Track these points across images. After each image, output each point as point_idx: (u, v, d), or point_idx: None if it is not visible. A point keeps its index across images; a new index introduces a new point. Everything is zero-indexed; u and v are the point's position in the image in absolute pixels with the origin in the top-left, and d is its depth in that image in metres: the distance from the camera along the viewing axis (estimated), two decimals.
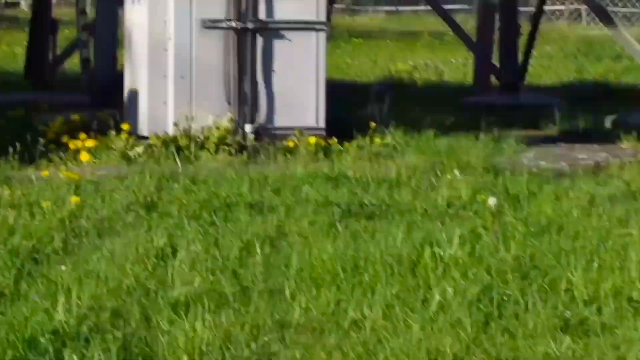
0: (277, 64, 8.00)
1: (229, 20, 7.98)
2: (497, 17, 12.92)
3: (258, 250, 4.73)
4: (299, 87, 8.04)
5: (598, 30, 18.65)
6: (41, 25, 11.89)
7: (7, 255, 4.50)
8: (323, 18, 8.33)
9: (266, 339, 3.51)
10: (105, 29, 9.42)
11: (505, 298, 4.04)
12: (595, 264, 4.56)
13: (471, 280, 4.24)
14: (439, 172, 7.05)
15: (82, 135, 7.76)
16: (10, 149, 7.05)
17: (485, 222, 5.49)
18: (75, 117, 8.24)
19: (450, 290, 4.05)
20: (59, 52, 12.31)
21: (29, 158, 7.21)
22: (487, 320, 3.74)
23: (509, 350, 3.46)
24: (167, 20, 7.95)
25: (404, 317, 3.78)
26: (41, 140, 7.62)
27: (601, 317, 3.90)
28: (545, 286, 4.25)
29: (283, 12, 8.07)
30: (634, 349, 3.51)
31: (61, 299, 3.65)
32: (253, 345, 3.44)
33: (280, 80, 8.02)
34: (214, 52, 7.96)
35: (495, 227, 5.34)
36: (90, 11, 10.77)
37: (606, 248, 4.89)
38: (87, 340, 3.37)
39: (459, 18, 16.22)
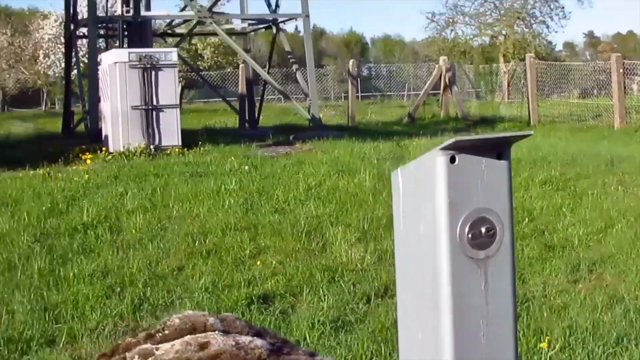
0: (162, 121, 17.39)
1: (142, 105, 17.10)
2: (246, 100, 24.44)
3: (159, 191, 15.25)
4: (171, 130, 17.63)
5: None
6: (68, 109, 22.92)
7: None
8: (177, 102, 18.25)
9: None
10: (93, 111, 20.03)
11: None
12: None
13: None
14: (225, 159, 15.03)
15: (87, 155, 16.43)
16: (59, 159, 16.01)
17: (244, 175, 13.79)
18: (83, 147, 17.66)
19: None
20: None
21: (65, 162, 15.43)
22: None
23: None
24: (117, 107, 17.00)
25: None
26: (71, 155, 17.18)
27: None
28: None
29: (163, 100, 17.28)
30: None
31: None
32: None
33: (163, 126, 17.50)
34: (137, 117, 17.03)
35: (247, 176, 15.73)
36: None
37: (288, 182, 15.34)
38: None
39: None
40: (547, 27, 47.73)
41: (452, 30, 48.80)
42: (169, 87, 17.49)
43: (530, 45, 45.90)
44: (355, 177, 12.45)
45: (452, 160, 2.17)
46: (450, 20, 47.95)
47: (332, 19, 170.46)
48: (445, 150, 2.16)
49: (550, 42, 51.16)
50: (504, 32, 47.78)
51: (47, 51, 55.06)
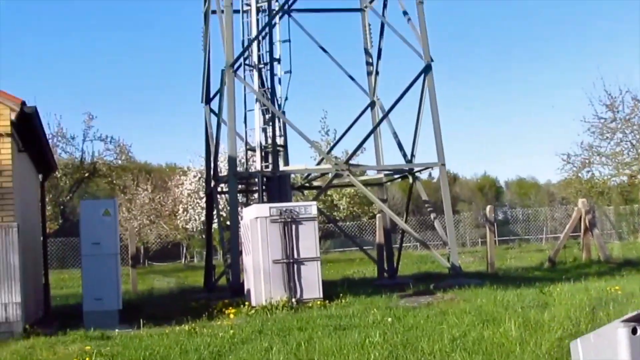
0: (303, 274, 17.35)
1: (283, 259, 17.34)
2: (384, 249, 24.53)
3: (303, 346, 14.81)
4: (312, 283, 17.47)
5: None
6: (209, 263, 23.48)
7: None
8: (317, 255, 18.56)
9: None
10: (235, 265, 20.41)
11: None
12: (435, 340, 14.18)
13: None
14: (368, 310, 15.12)
15: (230, 309, 16.70)
16: (203, 314, 16.47)
17: (387, 327, 12.99)
18: (225, 301, 17.85)
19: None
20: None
21: (209, 317, 15.87)
22: None
23: None
24: (259, 261, 17.33)
25: None
26: (214, 310, 17.02)
27: None
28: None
29: (304, 253, 17.61)
30: None
31: None
32: None
33: (304, 279, 17.41)
34: (278, 271, 17.21)
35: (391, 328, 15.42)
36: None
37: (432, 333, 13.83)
38: None
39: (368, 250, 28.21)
40: None
41: (588, 171, 48.14)
42: (309, 240, 17.74)
43: None
44: (500, 326, 12.19)
45: (634, 331, 2.13)
46: (587, 161, 47.35)
47: (466, 163, 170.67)
48: (626, 322, 2.12)
49: None
50: None
51: (186, 206, 56.59)
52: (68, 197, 54.34)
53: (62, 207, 53.88)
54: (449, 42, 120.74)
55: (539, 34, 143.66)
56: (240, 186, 24.92)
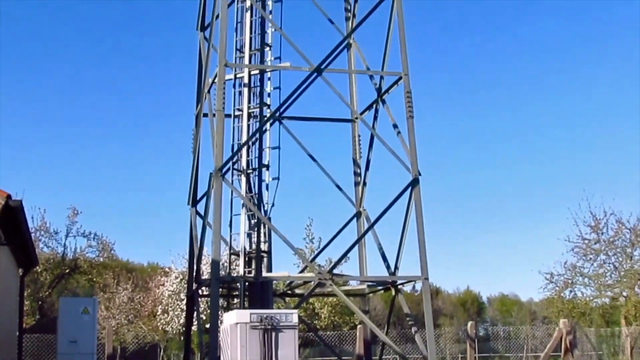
0: None
1: None
2: None
3: None
4: None
5: None
6: None
7: None
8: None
9: None
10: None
11: None
12: None
13: None
14: None
15: None
16: None
17: None
18: None
19: None
20: None
21: None
22: None
23: None
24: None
25: None
26: None
27: None
28: None
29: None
30: None
31: None
32: None
33: None
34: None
35: None
36: None
37: None
38: None
39: None
40: None
41: (571, 291, 48.13)
42: (289, 348, 17.59)
43: None
44: None
45: None
46: (569, 281, 47.38)
47: (448, 277, 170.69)
48: None
49: None
50: (624, 294, 46.95)
51: (166, 307, 56.18)
52: (47, 293, 53.91)
53: (40, 302, 53.41)
54: (438, 156, 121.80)
55: (525, 157, 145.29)
56: (222, 290, 24.79)
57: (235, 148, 23.52)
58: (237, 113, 24.13)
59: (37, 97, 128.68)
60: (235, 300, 24.86)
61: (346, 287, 26.70)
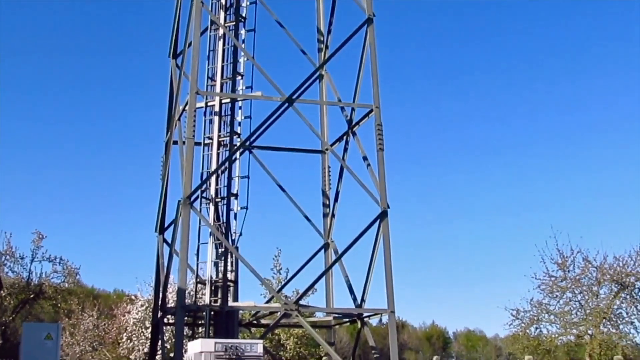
0: None
1: None
2: None
3: None
4: None
5: None
6: None
7: None
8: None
9: None
10: None
11: None
12: None
13: None
14: None
15: None
16: None
17: None
18: None
19: None
20: None
21: None
22: None
23: None
24: None
25: None
26: None
27: None
28: None
29: None
30: None
31: None
32: None
33: None
34: None
35: None
36: None
37: None
38: None
39: None
40: (635, 328, 46.87)
41: (537, 328, 48.16)
42: None
43: (617, 346, 44.95)
44: None
45: None
46: (535, 317, 47.42)
47: (414, 311, 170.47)
48: None
49: (638, 344, 49.88)
50: (589, 332, 47.08)
51: (130, 334, 55.73)
52: (11, 318, 53.34)
53: (3, 327, 52.83)
54: (406, 188, 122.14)
55: (494, 193, 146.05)
56: (187, 319, 24.62)
57: (205, 176, 23.45)
58: (207, 141, 24.08)
59: (2, 121, 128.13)
60: (201, 329, 24.68)
61: (312, 319, 26.63)
